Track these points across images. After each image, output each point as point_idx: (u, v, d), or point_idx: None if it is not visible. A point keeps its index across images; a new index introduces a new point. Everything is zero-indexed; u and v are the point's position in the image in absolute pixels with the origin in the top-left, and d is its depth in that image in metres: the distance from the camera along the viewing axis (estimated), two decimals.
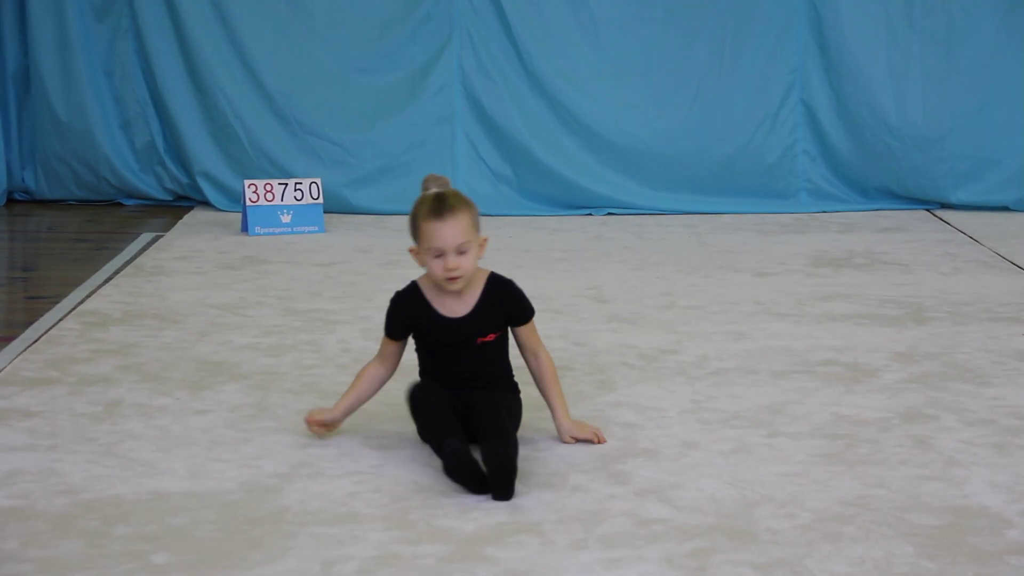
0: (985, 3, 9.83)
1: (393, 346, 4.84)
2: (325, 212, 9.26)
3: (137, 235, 8.98)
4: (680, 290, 7.33)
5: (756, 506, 4.24)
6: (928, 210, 9.92)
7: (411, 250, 4.75)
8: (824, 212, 9.90)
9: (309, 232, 9.05)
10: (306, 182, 9.15)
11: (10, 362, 5.83)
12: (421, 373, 4.87)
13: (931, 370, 5.77)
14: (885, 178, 9.97)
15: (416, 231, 4.67)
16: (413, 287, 4.81)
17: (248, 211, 8.98)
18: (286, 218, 9.02)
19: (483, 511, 4.20)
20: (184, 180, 10.11)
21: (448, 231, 4.60)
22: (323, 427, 4.85)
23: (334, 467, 4.57)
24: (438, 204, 4.63)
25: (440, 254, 4.63)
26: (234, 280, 7.53)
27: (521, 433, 4.87)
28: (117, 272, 7.75)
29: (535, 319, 4.83)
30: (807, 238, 8.93)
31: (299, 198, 9.08)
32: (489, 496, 4.28)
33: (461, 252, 4.63)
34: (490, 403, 4.64)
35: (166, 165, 10.13)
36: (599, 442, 4.79)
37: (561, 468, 4.56)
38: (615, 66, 9.97)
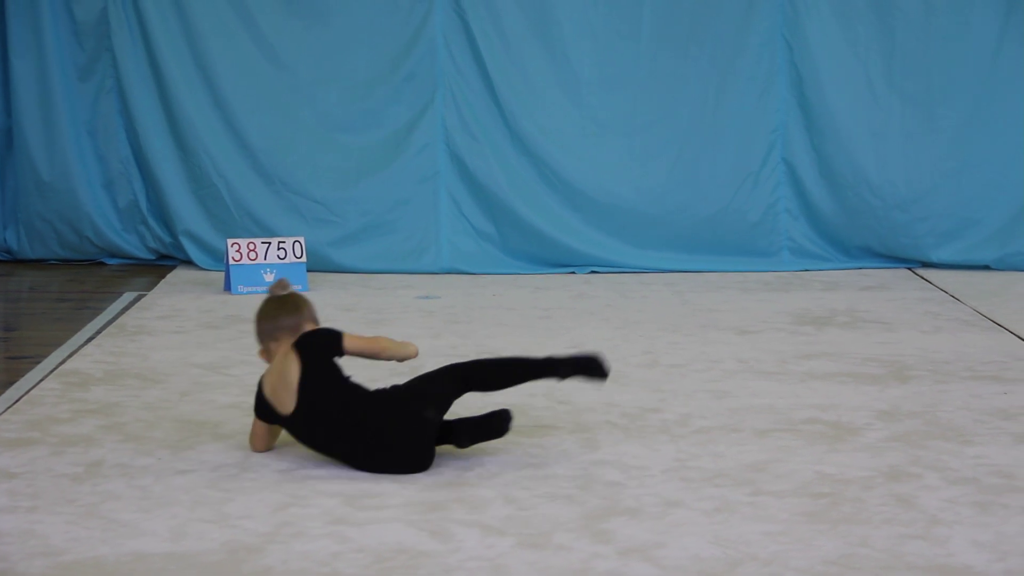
0: (965, 64, 9.90)
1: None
2: (309, 271, 9.26)
3: (119, 294, 8.97)
4: (662, 348, 7.33)
5: (740, 565, 4.23)
6: (910, 268, 9.96)
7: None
8: (806, 270, 9.93)
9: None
10: (289, 241, 9.16)
11: None
12: None
13: (914, 428, 5.77)
14: (867, 237, 10.00)
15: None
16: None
17: (231, 270, 8.97)
18: (269, 277, 9.00)
19: (467, 571, 4.18)
20: (167, 239, 10.10)
21: None
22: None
23: (317, 527, 4.56)
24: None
25: None
26: (217, 339, 7.52)
27: (504, 493, 4.86)
28: (99, 332, 7.73)
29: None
30: (789, 296, 8.94)
31: (282, 257, 9.08)
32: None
33: None
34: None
35: (149, 224, 10.13)
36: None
37: (545, 527, 4.55)
38: (598, 125, 10.00)
